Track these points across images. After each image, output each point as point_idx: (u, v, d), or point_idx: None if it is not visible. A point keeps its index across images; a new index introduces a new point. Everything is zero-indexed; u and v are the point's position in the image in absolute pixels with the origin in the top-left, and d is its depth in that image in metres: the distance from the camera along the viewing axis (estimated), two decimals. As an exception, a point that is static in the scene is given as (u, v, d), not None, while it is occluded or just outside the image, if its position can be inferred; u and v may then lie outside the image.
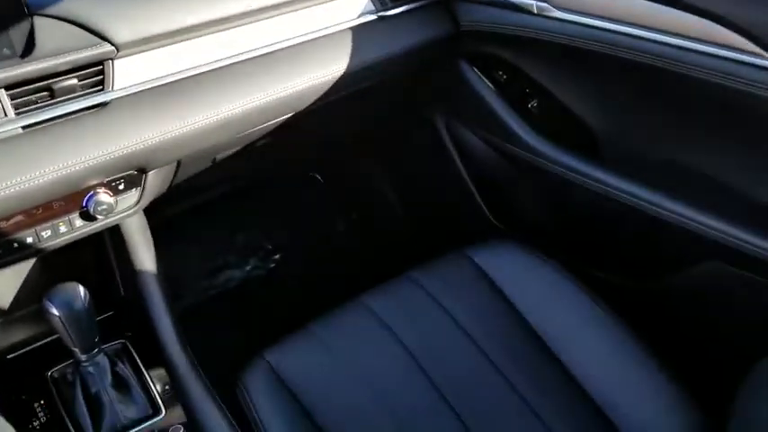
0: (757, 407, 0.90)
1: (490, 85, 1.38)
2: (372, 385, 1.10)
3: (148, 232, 1.22)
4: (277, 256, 2.14)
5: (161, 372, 1.08)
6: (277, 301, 2.00)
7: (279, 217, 2.17)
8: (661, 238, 1.18)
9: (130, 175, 1.10)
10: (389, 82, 1.35)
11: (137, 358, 1.10)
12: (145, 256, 1.18)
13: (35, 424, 1.01)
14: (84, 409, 1.00)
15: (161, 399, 1.03)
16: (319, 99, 1.18)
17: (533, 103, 1.35)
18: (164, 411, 1.01)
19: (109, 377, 1.03)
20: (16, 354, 1.13)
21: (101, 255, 1.25)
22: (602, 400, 1.12)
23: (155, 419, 1.00)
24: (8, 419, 0.99)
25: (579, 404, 1.11)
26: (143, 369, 1.08)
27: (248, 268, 2.11)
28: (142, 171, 1.11)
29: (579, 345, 1.17)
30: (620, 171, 1.21)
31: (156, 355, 1.11)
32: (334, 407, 1.08)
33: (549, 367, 1.15)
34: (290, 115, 1.22)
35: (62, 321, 0.96)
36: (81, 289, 0.98)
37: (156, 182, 1.16)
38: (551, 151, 1.28)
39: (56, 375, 1.08)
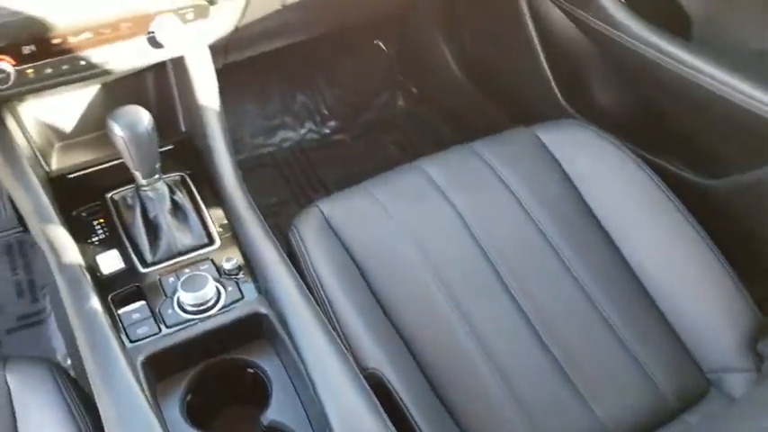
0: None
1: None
2: (420, 242, 1.10)
3: (212, 69, 1.20)
4: (333, 123, 2.12)
5: (218, 212, 1.09)
6: (330, 164, 2.00)
7: (339, 82, 2.13)
8: (743, 129, 1.12)
9: (199, 5, 1.08)
10: None
11: (195, 192, 1.11)
12: (208, 92, 1.17)
13: (94, 239, 1.04)
14: (143, 230, 1.02)
15: (217, 232, 1.05)
16: None
17: (624, -26, 1.25)
18: (218, 242, 1.03)
19: (168, 203, 1.04)
20: (78, 174, 1.15)
21: (163, 88, 1.25)
22: (657, 291, 1.10)
23: (209, 248, 1.02)
24: (69, 233, 1.02)
25: (631, 291, 1.10)
26: (200, 202, 1.09)
27: (303, 131, 2.10)
28: (211, 2, 1.08)
29: (637, 230, 1.14)
30: (711, 55, 1.13)
31: (213, 195, 1.12)
32: (379, 256, 1.09)
33: (602, 247, 1.13)
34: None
35: (125, 142, 0.96)
36: (144, 112, 0.98)
37: (222, 17, 1.13)
38: (638, 27, 1.19)
39: (116, 198, 1.09)
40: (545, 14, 1.42)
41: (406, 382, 0.93)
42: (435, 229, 1.12)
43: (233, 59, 1.66)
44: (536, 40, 1.48)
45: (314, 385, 0.81)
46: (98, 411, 0.91)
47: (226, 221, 1.08)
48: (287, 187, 1.97)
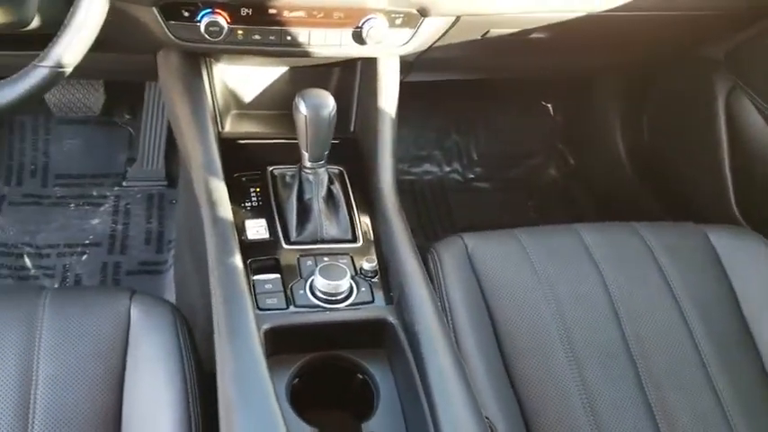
0: None
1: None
2: (559, 304, 1.05)
3: (398, 79, 1.21)
4: (479, 170, 2.10)
5: (366, 217, 1.08)
6: (464, 208, 1.97)
7: (497, 132, 2.11)
8: None
9: (411, 14, 1.09)
10: (693, 20, 1.22)
11: (349, 188, 1.11)
12: (389, 99, 1.18)
13: (246, 204, 1.06)
14: (295, 209, 1.03)
15: (361, 233, 1.04)
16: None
17: None
18: (361, 242, 1.02)
19: (324, 191, 1.04)
20: (246, 141, 1.18)
21: (346, 84, 1.27)
22: None
23: (351, 245, 1.01)
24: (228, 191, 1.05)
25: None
26: (353, 199, 1.09)
27: (448, 169, 2.09)
28: (423, 14, 1.09)
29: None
30: None
31: (364, 199, 1.11)
32: (513, 304, 1.05)
33: (751, 369, 1.04)
34: (581, 14, 1.15)
35: (306, 121, 0.98)
36: (331, 98, 0.99)
37: (427, 31, 1.13)
38: None
39: (276, 173, 1.11)
40: (744, 119, 1.34)
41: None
42: (579, 297, 1.06)
43: (410, 79, 1.68)
44: (725, 143, 1.40)
45: (437, 425, 0.76)
46: (203, 367, 0.91)
47: (369, 227, 1.07)
48: (416, 218, 1.96)
